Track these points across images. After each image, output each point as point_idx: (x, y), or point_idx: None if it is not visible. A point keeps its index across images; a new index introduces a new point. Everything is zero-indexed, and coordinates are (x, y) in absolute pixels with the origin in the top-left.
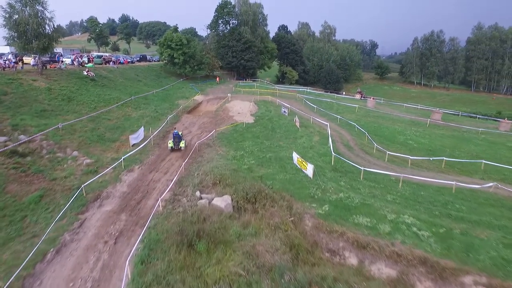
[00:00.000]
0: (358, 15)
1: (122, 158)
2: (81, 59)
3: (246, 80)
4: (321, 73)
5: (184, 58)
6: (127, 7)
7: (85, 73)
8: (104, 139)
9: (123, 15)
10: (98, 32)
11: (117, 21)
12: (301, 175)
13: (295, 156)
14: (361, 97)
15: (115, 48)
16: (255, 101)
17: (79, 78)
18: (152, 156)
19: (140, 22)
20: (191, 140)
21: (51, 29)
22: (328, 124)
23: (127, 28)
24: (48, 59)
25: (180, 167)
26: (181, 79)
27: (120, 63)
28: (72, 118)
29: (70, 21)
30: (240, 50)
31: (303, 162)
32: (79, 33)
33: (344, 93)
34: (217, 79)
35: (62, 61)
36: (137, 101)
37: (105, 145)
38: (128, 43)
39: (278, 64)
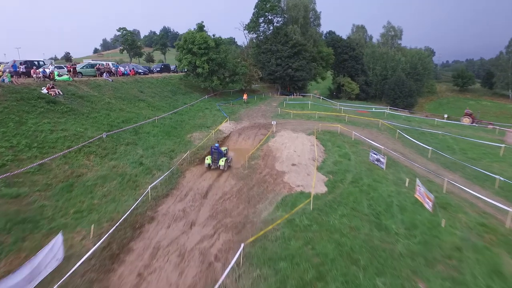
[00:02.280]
0: (408, 21)
1: None
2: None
3: (294, 95)
4: (386, 84)
5: (210, 67)
6: (170, 21)
7: (45, 90)
8: None
9: (164, 27)
10: (130, 42)
11: (158, 33)
12: None
13: None
14: (472, 122)
15: (149, 59)
16: (316, 135)
17: (24, 100)
18: None
19: (180, 33)
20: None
21: None
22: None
23: (163, 38)
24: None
25: None
26: (206, 96)
27: (123, 74)
28: None
29: (115, 35)
30: (287, 56)
31: None
32: (122, 46)
33: (446, 115)
34: (245, 96)
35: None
36: (115, 140)
37: None
38: (164, 53)
39: (331, 74)
